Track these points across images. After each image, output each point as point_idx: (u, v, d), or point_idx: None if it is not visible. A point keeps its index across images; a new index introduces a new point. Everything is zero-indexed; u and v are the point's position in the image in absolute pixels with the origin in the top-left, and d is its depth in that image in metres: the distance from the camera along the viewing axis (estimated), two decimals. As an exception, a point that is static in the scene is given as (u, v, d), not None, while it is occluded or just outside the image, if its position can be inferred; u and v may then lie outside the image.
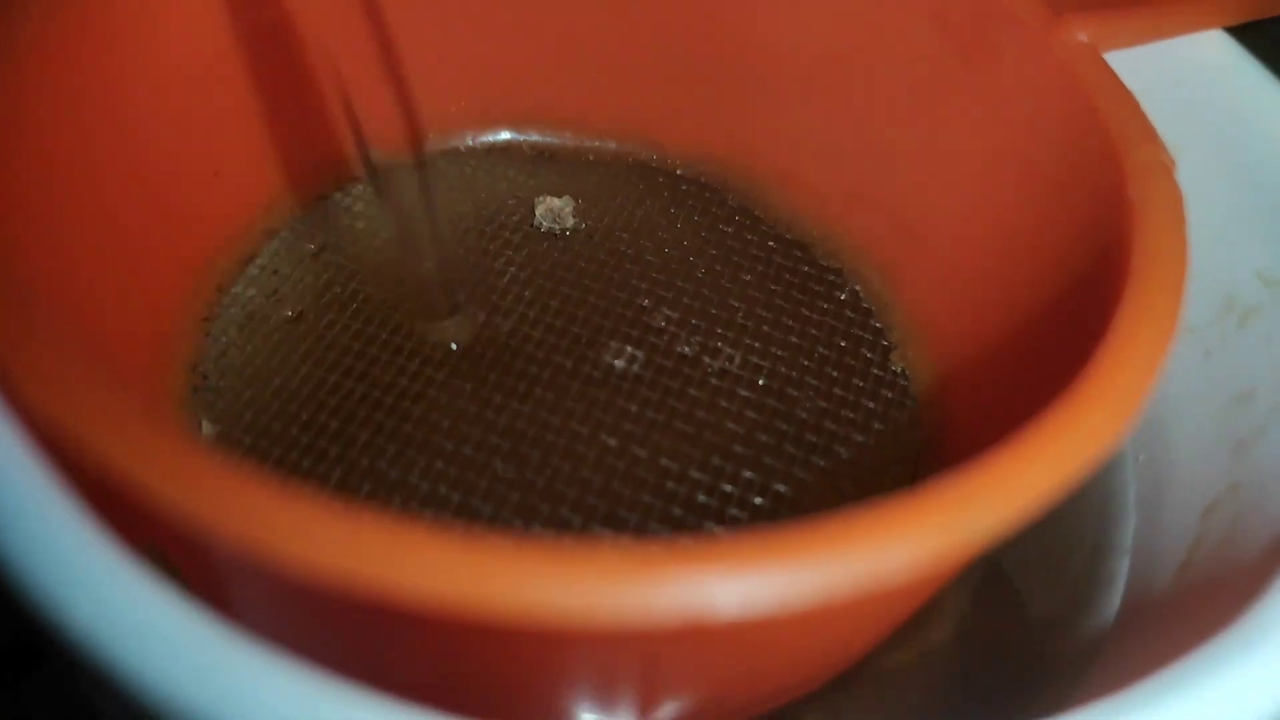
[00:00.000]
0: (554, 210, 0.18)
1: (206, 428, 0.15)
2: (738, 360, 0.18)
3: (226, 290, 0.17)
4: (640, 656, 0.11)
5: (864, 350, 0.18)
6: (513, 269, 0.19)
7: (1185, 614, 0.13)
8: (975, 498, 0.10)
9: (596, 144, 0.21)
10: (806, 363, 0.18)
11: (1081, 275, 0.14)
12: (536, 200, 0.19)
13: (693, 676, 0.12)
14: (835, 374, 0.18)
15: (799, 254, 0.20)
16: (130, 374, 0.15)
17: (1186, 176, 0.16)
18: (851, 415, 0.17)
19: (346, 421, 0.16)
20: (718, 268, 0.19)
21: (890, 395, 0.18)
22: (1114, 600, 0.16)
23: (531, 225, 0.19)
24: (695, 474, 0.16)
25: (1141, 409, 0.11)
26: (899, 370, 0.18)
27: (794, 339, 0.18)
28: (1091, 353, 0.12)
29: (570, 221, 0.18)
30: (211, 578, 0.11)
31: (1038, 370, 0.16)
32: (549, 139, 0.21)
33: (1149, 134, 0.14)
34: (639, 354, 0.18)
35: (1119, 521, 0.17)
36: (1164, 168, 0.14)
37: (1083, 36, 0.16)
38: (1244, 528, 0.14)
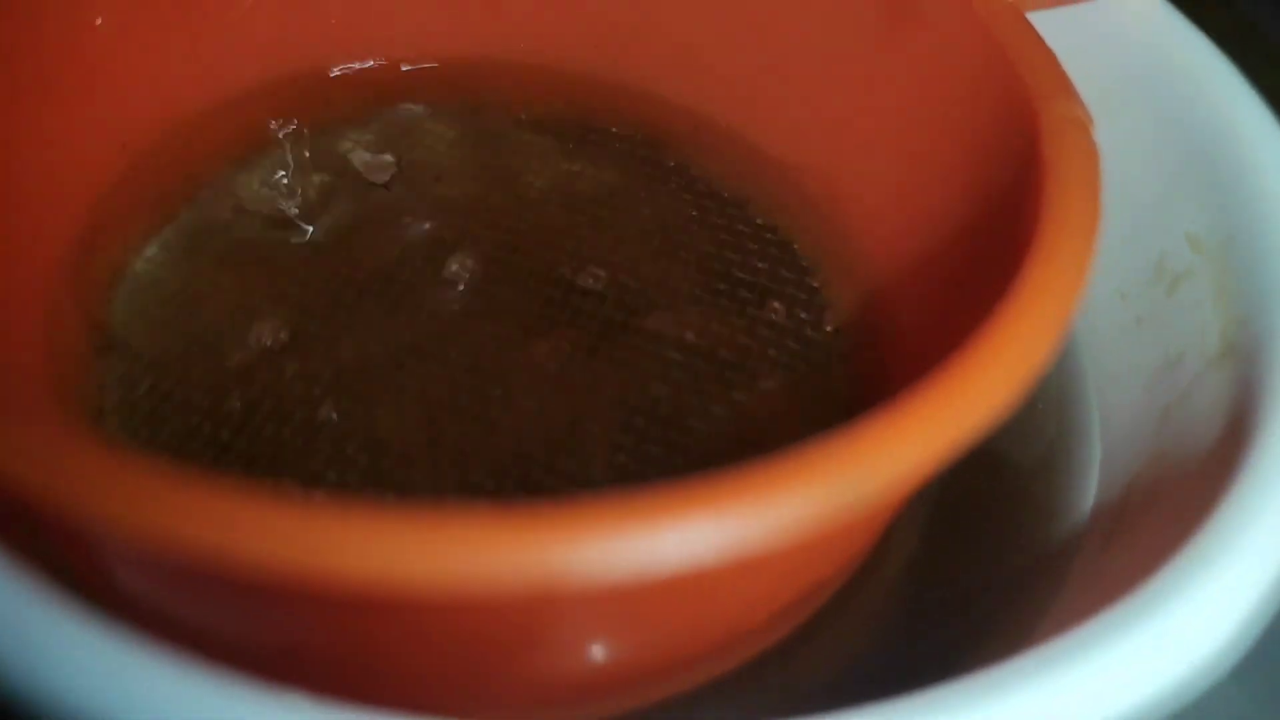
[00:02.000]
0: (367, 161, 0.18)
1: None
2: (670, 320, 0.18)
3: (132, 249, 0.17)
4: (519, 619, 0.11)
5: (798, 309, 0.18)
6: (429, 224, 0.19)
7: (1105, 574, 0.14)
8: (857, 457, 0.10)
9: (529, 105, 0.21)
10: (737, 320, 0.18)
11: (1000, 234, 0.14)
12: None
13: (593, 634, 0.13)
14: (768, 333, 0.18)
15: (734, 212, 0.20)
16: (34, 340, 0.15)
17: (1116, 137, 0.16)
18: (780, 359, 0.17)
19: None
20: (650, 228, 0.19)
21: (820, 343, 0.18)
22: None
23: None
24: (618, 436, 0.16)
25: (1034, 373, 0.11)
26: (832, 329, 0.18)
27: (724, 300, 0.18)
28: (998, 312, 0.12)
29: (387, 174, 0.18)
30: (92, 564, 0.11)
31: (955, 325, 0.16)
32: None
33: (1065, 89, 0.14)
34: (565, 315, 0.18)
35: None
36: (1080, 123, 0.14)
37: (1005, -3, 0.15)
38: (1160, 497, 0.14)
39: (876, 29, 0.17)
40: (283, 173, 0.19)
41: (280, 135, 0.19)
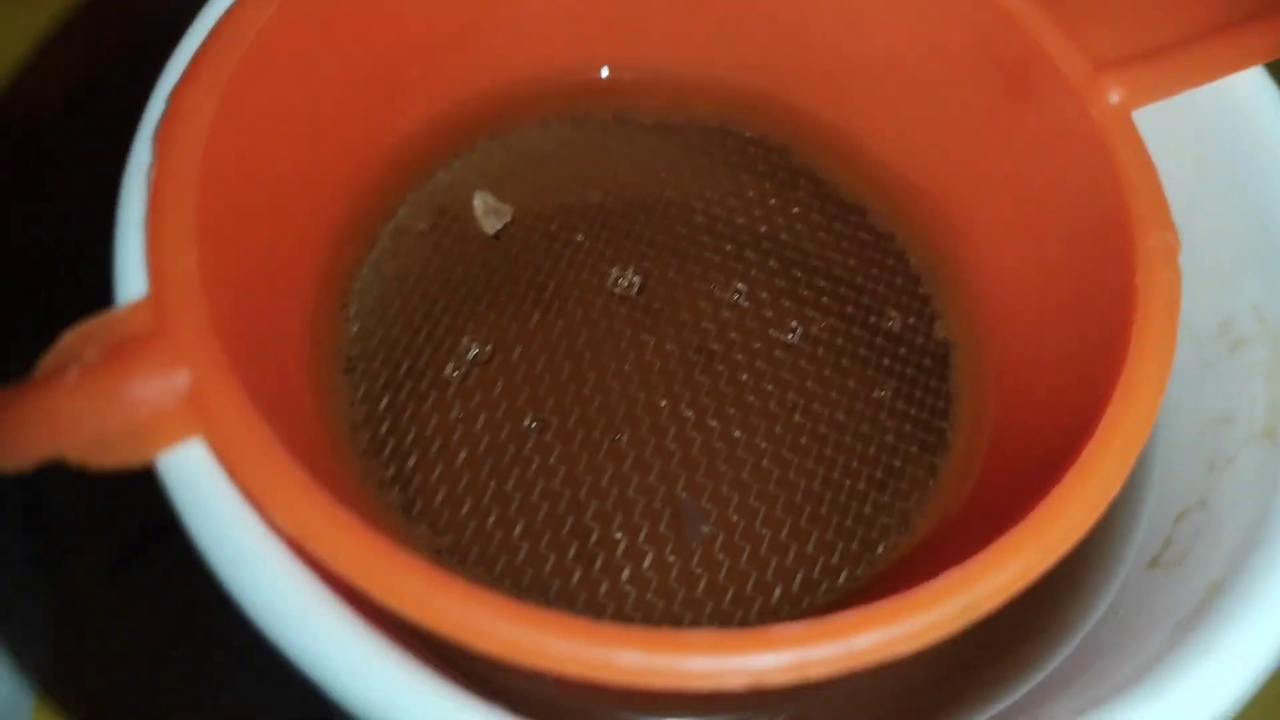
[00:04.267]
0: (488, 205, 0.21)
1: (359, 403, 0.20)
2: (799, 333, 0.22)
3: (356, 276, 0.21)
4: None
5: (911, 317, 0.22)
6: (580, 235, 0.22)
7: (1146, 619, 0.18)
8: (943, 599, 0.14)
9: (674, 106, 0.24)
10: (859, 330, 0.22)
11: (1090, 318, 0.18)
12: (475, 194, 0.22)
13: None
14: (884, 341, 0.22)
15: (856, 219, 0.23)
16: (294, 371, 0.19)
17: (1205, 195, 0.19)
18: (893, 367, 0.21)
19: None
20: (783, 236, 0.23)
21: (930, 350, 0.22)
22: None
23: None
24: (762, 442, 0.20)
25: (1108, 502, 0.15)
26: (941, 337, 0.22)
27: (849, 307, 0.22)
28: (1079, 445, 0.16)
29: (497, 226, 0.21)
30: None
31: (1049, 354, 0.20)
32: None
33: (1161, 218, 0.17)
34: (711, 328, 0.22)
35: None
36: (1170, 252, 0.17)
37: (1115, 97, 0.18)
38: (1204, 539, 0.18)
39: (1000, 96, 0.20)
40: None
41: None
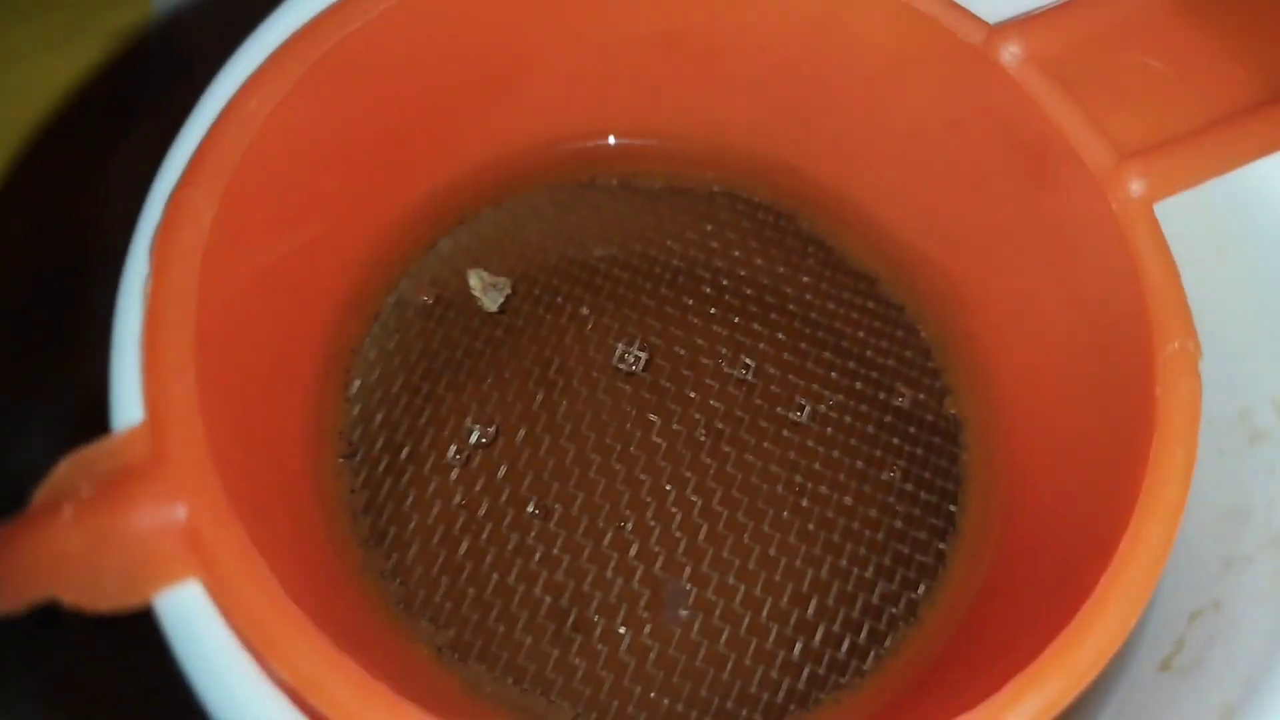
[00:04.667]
0: (484, 282, 0.21)
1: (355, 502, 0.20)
2: (807, 411, 0.21)
3: (358, 353, 0.21)
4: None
5: (921, 393, 0.22)
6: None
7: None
8: None
9: (681, 171, 0.23)
10: (868, 408, 0.22)
11: (1110, 417, 0.18)
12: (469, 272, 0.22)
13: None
14: (893, 419, 0.22)
15: (865, 287, 0.23)
16: (294, 457, 0.19)
17: (1224, 281, 0.19)
18: (903, 446, 0.21)
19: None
20: (791, 307, 0.22)
21: (940, 427, 0.21)
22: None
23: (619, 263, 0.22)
24: (767, 528, 0.20)
25: (1134, 617, 0.15)
26: (951, 414, 0.22)
27: (859, 384, 0.22)
28: (1097, 560, 0.16)
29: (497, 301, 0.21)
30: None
31: (1063, 444, 0.20)
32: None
33: (1185, 324, 0.17)
34: (719, 406, 0.21)
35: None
36: (1191, 361, 0.17)
37: (1138, 188, 0.18)
38: (1217, 649, 0.18)
39: (1019, 178, 0.20)
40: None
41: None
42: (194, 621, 0.14)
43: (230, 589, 0.13)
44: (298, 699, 0.13)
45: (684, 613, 0.19)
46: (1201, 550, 0.20)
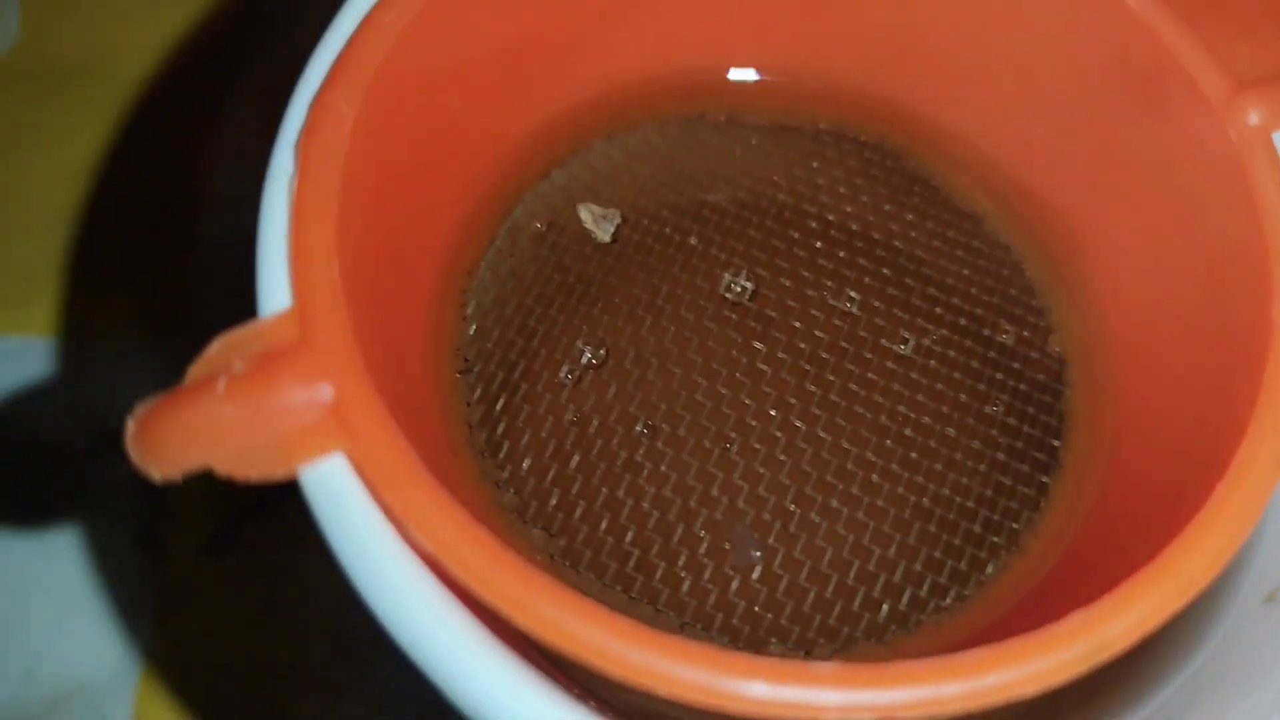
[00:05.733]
0: (595, 214, 0.21)
1: (473, 406, 0.20)
2: (911, 345, 0.22)
3: (474, 275, 0.21)
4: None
5: (1025, 330, 0.22)
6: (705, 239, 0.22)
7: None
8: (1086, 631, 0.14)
9: (789, 108, 0.24)
10: (972, 343, 0.22)
11: (1219, 348, 0.18)
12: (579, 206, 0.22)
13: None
14: (997, 355, 0.22)
15: (971, 226, 0.23)
16: (417, 370, 0.20)
17: None
18: (1006, 381, 0.21)
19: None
20: (896, 244, 0.23)
21: (1044, 364, 0.22)
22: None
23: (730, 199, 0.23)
24: (871, 457, 0.21)
25: (1230, 556, 0.15)
26: (1056, 352, 0.22)
27: (963, 319, 0.22)
28: (1206, 482, 0.16)
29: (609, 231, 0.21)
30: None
31: (1170, 381, 0.20)
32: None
33: (1303, 249, 0.17)
34: (823, 336, 0.22)
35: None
36: (1311, 286, 0.17)
37: (1256, 117, 0.18)
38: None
39: (1134, 109, 0.20)
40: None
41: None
42: (338, 492, 0.14)
43: (375, 461, 0.14)
44: (434, 564, 0.14)
45: (788, 532, 0.20)
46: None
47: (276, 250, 0.16)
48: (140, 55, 0.37)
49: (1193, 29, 0.19)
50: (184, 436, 0.14)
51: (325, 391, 0.15)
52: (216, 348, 0.15)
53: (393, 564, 0.14)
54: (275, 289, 0.15)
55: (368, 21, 0.17)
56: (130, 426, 0.14)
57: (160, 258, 0.34)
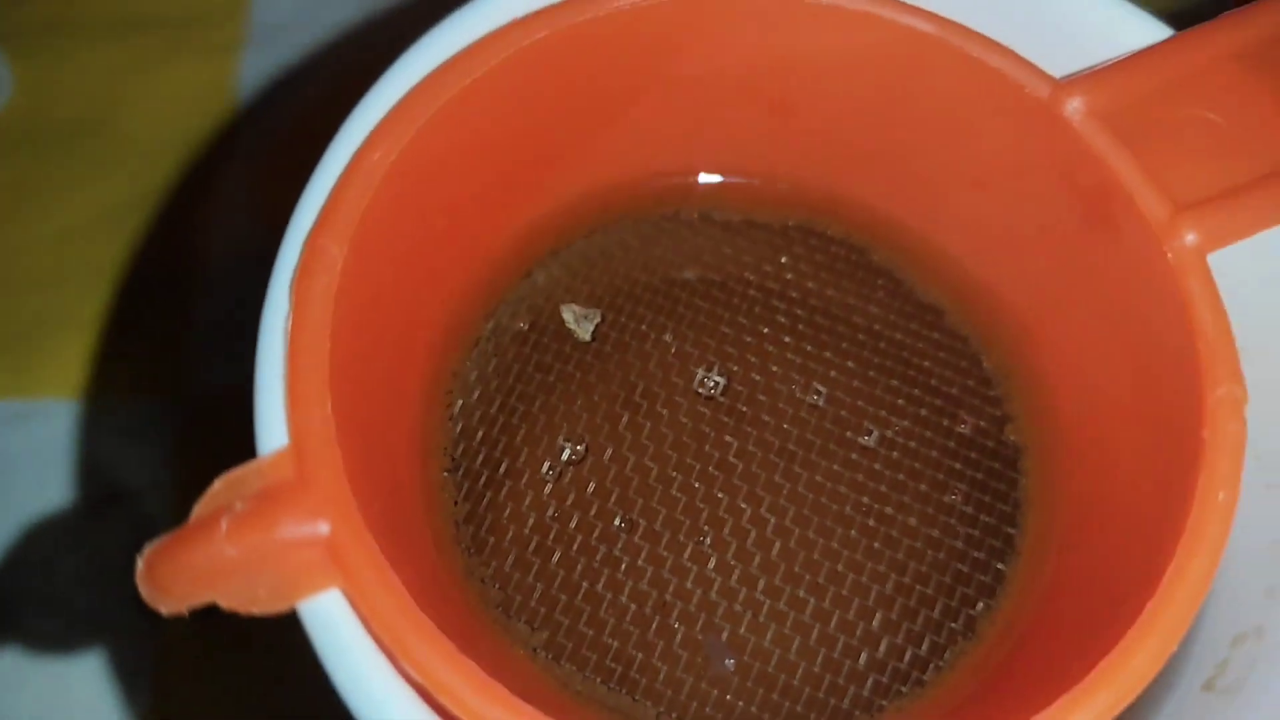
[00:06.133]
0: (577, 315, 0.23)
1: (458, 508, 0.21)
2: (875, 436, 0.23)
3: (460, 376, 0.23)
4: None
5: (982, 421, 0.23)
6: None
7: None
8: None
9: (759, 206, 0.25)
10: (932, 434, 0.23)
11: (1153, 466, 0.19)
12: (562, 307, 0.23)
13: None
14: (955, 445, 0.23)
15: (932, 318, 0.24)
16: (405, 474, 0.21)
17: (1275, 328, 0.20)
18: (964, 471, 0.23)
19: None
20: (861, 336, 0.24)
21: (1000, 454, 0.23)
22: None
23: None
24: (836, 547, 0.22)
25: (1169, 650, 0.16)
26: (1011, 441, 0.23)
27: (924, 410, 0.23)
28: (1141, 592, 0.17)
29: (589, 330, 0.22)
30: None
31: (1119, 471, 0.21)
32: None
33: (1233, 371, 0.18)
34: (792, 430, 0.23)
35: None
36: (1237, 406, 0.18)
37: (1192, 238, 0.19)
38: (1259, 672, 0.19)
39: (1080, 222, 0.21)
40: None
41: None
42: (335, 626, 0.15)
43: (368, 597, 0.15)
44: (426, 695, 0.15)
45: (758, 622, 0.21)
46: (1247, 578, 0.21)
47: (273, 389, 0.17)
48: (135, 114, 0.38)
49: (1135, 154, 0.20)
50: (189, 576, 0.15)
51: (321, 528, 0.16)
52: (219, 486, 0.16)
53: (387, 693, 0.15)
54: (273, 427, 0.17)
55: (355, 162, 0.18)
56: (140, 566, 0.16)
57: (158, 319, 0.35)
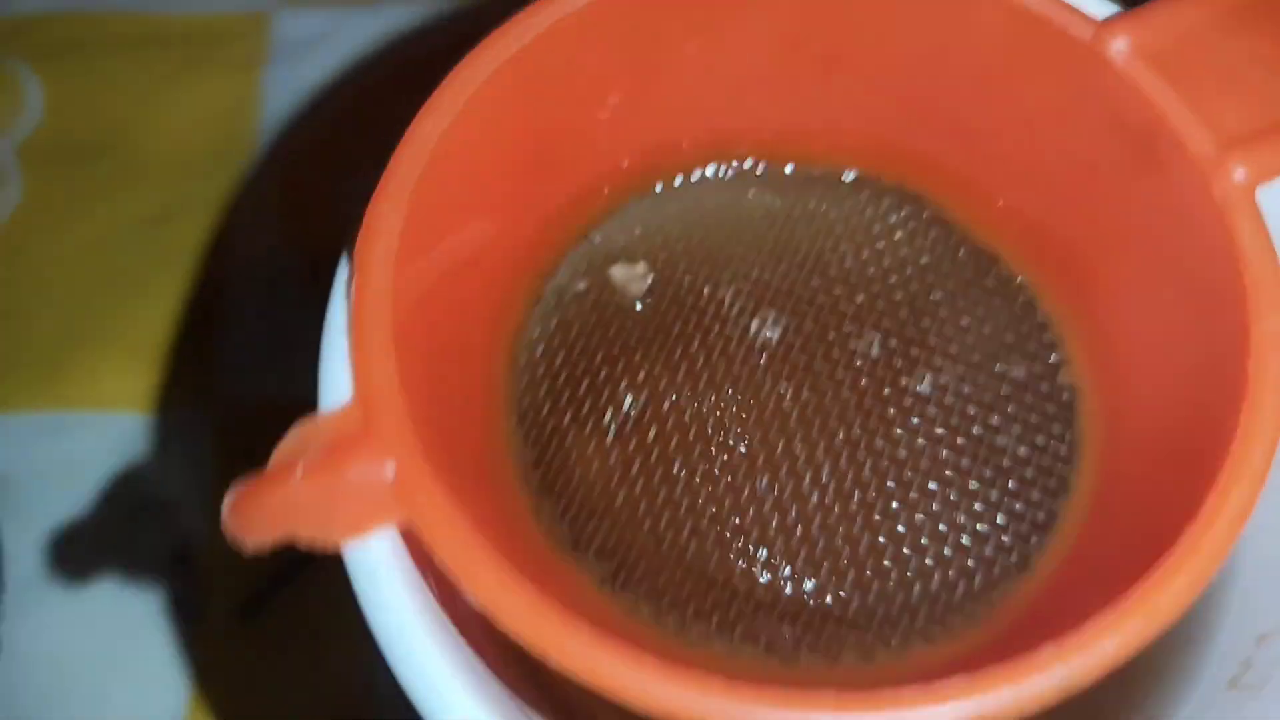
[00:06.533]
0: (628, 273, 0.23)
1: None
2: (929, 381, 0.23)
3: (524, 331, 0.24)
4: None
5: (1036, 365, 0.24)
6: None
7: None
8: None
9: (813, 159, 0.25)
10: (984, 378, 0.23)
11: (1199, 401, 0.19)
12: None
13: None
14: (1009, 389, 0.23)
15: (986, 265, 0.25)
16: (475, 424, 0.22)
17: None
18: (1017, 414, 0.23)
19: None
20: (914, 285, 0.24)
21: (1053, 397, 0.23)
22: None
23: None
24: (894, 489, 0.22)
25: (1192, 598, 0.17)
26: (1067, 384, 0.23)
27: (975, 355, 0.24)
28: (1182, 522, 0.17)
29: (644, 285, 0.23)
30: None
31: (1170, 417, 0.21)
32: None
33: (1276, 304, 0.18)
34: (845, 376, 0.23)
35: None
36: (1280, 339, 0.18)
37: (1240, 174, 0.19)
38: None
39: (1128, 163, 0.21)
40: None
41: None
42: (379, 577, 0.17)
43: (431, 529, 0.17)
44: (492, 619, 0.16)
45: (813, 556, 0.22)
46: (1271, 579, 0.21)
47: (339, 347, 0.18)
48: (161, 130, 0.38)
49: (1180, 91, 0.20)
50: (272, 513, 0.17)
51: (388, 469, 0.17)
52: (293, 435, 0.17)
53: (427, 647, 0.17)
54: (339, 381, 0.18)
55: (409, 133, 0.19)
56: (226, 504, 0.17)
57: (187, 332, 0.35)
